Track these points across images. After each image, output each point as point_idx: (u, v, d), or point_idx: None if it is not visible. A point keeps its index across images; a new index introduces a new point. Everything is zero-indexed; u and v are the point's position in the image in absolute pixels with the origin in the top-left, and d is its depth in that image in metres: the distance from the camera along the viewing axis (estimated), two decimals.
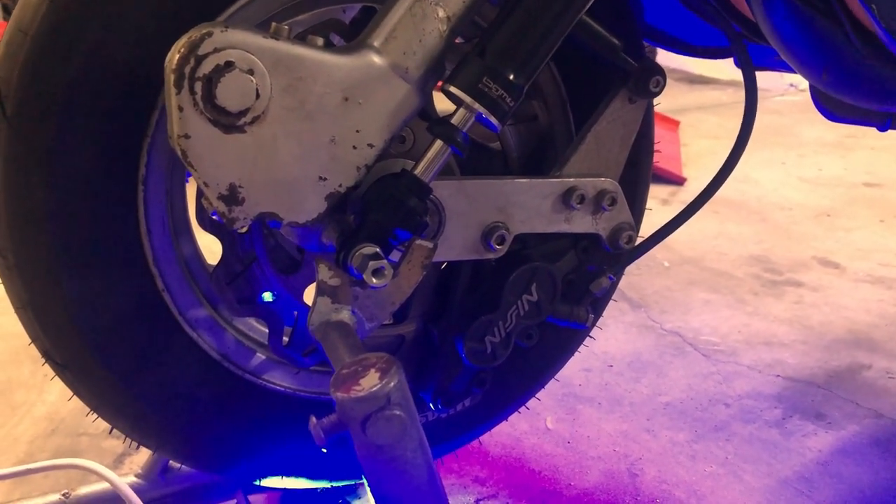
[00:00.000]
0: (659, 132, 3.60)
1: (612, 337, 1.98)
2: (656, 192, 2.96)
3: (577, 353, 1.90)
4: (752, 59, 1.63)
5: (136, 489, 1.35)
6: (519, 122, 1.07)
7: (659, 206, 2.85)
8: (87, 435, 1.56)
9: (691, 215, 1.09)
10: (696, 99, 4.45)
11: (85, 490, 1.33)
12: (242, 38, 0.77)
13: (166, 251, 0.94)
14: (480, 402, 1.13)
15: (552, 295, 1.01)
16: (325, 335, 0.81)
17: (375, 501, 0.71)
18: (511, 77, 0.83)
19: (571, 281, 1.04)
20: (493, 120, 0.83)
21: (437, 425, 1.15)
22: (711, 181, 1.12)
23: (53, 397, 1.65)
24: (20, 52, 0.82)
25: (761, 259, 2.44)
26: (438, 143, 0.85)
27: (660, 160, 3.03)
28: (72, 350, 0.93)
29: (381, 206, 0.83)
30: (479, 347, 0.99)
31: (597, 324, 1.34)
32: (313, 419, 0.69)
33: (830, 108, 1.38)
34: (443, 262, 1.08)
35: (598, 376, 1.82)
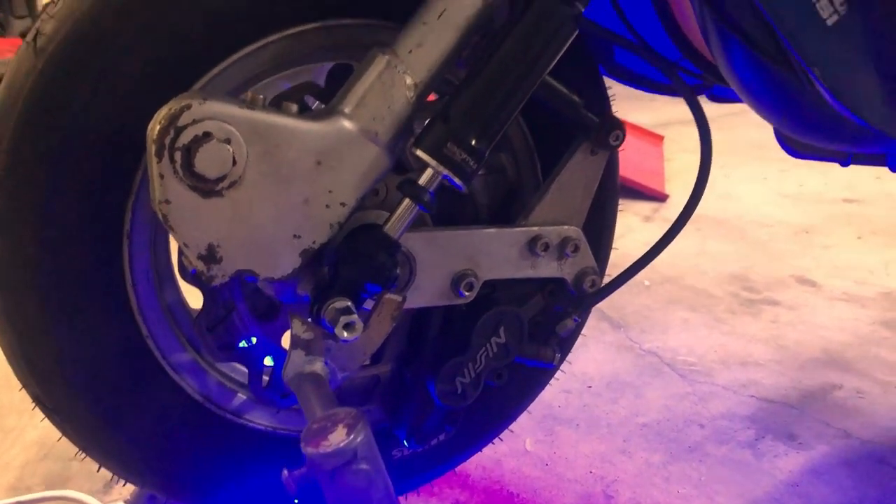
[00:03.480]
0: (643, 147, 3.66)
1: (591, 358, 2.03)
2: (639, 209, 3.02)
3: (557, 375, 1.96)
4: (722, 94, 1.68)
5: None
6: (487, 173, 1.12)
7: (641, 224, 2.90)
8: (77, 460, 1.59)
9: (650, 261, 1.14)
10: (680, 113, 4.45)
11: None
12: (220, 110, 0.81)
13: (150, 300, 0.99)
14: (455, 436, 1.18)
15: (519, 336, 1.06)
16: (299, 386, 0.86)
17: None
18: (473, 142, 0.88)
19: (538, 322, 1.09)
20: (457, 181, 0.88)
21: (414, 459, 1.20)
22: (668, 230, 1.17)
23: (45, 422, 1.69)
24: (12, 115, 0.87)
25: (740, 277, 2.49)
26: (407, 202, 0.90)
27: (643, 177, 3.09)
28: (60, 395, 0.98)
29: (352, 262, 0.88)
30: (449, 388, 1.04)
31: (571, 350, 1.39)
32: (285, 472, 0.74)
33: (792, 147, 1.43)
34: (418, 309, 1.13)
35: (578, 397, 1.86)
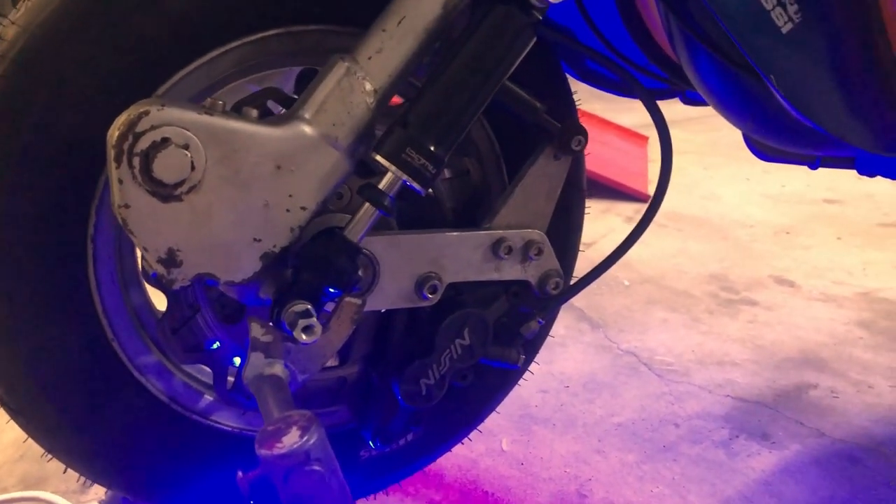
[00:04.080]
0: (627, 148, 3.67)
1: (570, 357, 2.04)
2: (622, 210, 3.03)
3: (535, 374, 1.97)
4: (695, 97, 1.69)
5: None
6: (452, 177, 1.13)
7: (623, 224, 2.92)
8: (54, 461, 1.61)
9: (612, 264, 1.16)
10: (665, 114, 4.50)
11: None
12: (178, 116, 0.82)
13: (116, 302, 1.00)
14: (422, 436, 1.19)
15: (484, 338, 1.07)
16: (259, 388, 0.87)
17: None
18: (432, 147, 0.89)
19: (503, 324, 1.10)
20: (416, 186, 0.90)
21: (381, 459, 1.21)
22: (629, 234, 1.18)
23: None
24: None
25: (719, 277, 2.51)
26: (367, 206, 0.91)
27: (626, 178, 3.10)
28: (24, 397, 0.99)
29: (312, 266, 0.89)
30: (414, 389, 1.05)
31: (540, 351, 1.40)
32: (240, 473, 0.75)
33: (761, 150, 1.45)
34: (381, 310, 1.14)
35: (555, 397, 1.88)
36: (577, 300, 2.31)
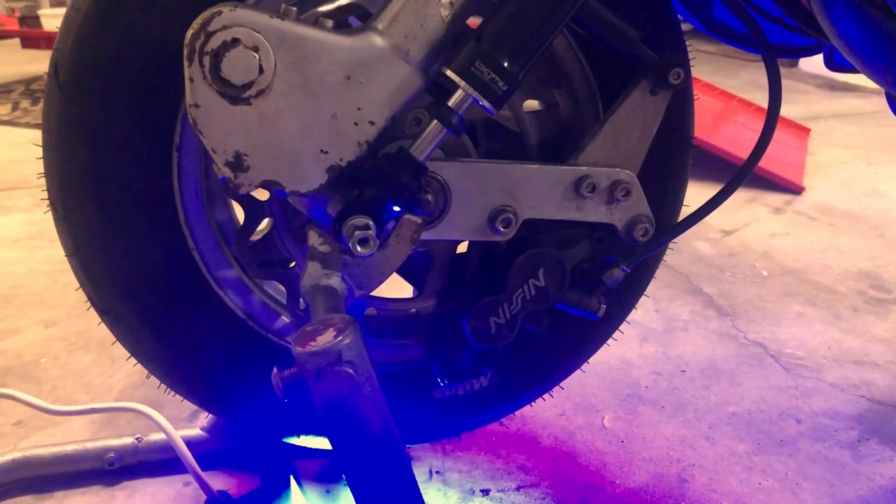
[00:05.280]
0: (786, 139, 3.46)
1: (690, 342, 1.93)
2: (770, 201, 2.84)
3: (649, 356, 1.87)
4: (841, 62, 1.56)
5: (199, 440, 1.46)
6: (540, 109, 1.08)
7: (769, 215, 2.73)
8: None
9: (702, 217, 1.07)
10: (835, 106, 4.20)
11: (155, 437, 1.45)
12: (249, 17, 0.83)
13: (198, 214, 1.03)
14: (498, 383, 1.16)
15: (560, 281, 1.02)
16: (313, 297, 0.87)
17: (334, 453, 0.75)
18: (504, 63, 0.85)
19: (585, 270, 1.04)
20: (486, 104, 0.86)
21: (454, 402, 1.18)
22: (725, 185, 1.09)
23: None
24: (73, 27, 0.93)
25: (870, 275, 2.29)
26: (434, 123, 0.88)
27: (779, 167, 2.91)
28: (110, 298, 1.04)
29: (375, 182, 0.87)
30: (482, 326, 1.01)
31: (631, 309, 1.30)
32: (275, 370, 0.75)
33: None
34: (458, 243, 1.11)
35: (668, 380, 1.78)
36: (707, 287, 2.19)
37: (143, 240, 1.01)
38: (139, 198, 0.99)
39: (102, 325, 1.08)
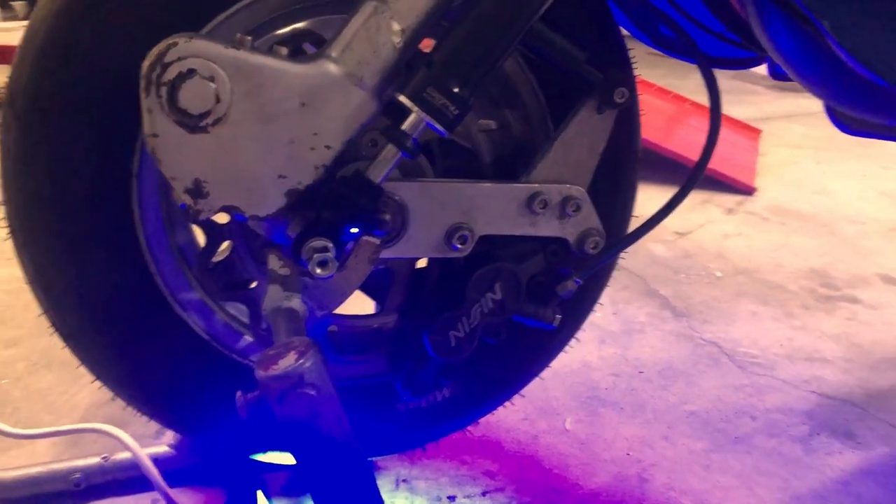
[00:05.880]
0: (737, 140, 3.53)
1: (647, 344, 1.98)
2: (723, 202, 2.91)
3: (607, 358, 1.92)
4: (783, 71, 1.61)
5: (166, 458, 1.46)
6: (493, 129, 1.11)
7: (722, 216, 2.80)
8: None
9: (652, 228, 1.11)
10: (784, 107, 4.30)
11: (122, 455, 1.45)
12: (205, 48, 0.85)
13: (159, 240, 1.04)
14: (460, 395, 1.19)
15: (516, 294, 1.05)
16: (275, 320, 0.89)
17: (298, 473, 0.78)
18: (455, 88, 0.88)
19: (540, 282, 1.08)
20: (438, 127, 0.89)
21: (418, 414, 1.21)
22: (675, 194, 1.13)
23: None
24: (28, 57, 0.94)
25: (820, 273, 2.37)
26: (390, 147, 0.91)
27: (731, 169, 2.98)
28: (74, 323, 1.04)
29: (332, 204, 0.90)
30: (443, 340, 1.04)
31: (584, 319, 1.34)
32: (239, 393, 0.77)
33: (844, 122, 1.36)
34: (417, 259, 1.14)
35: (626, 381, 1.83)
36: (663, 288, 2.24)
37: (105, 266, 1.02)
38: (100, 225, 1.00)
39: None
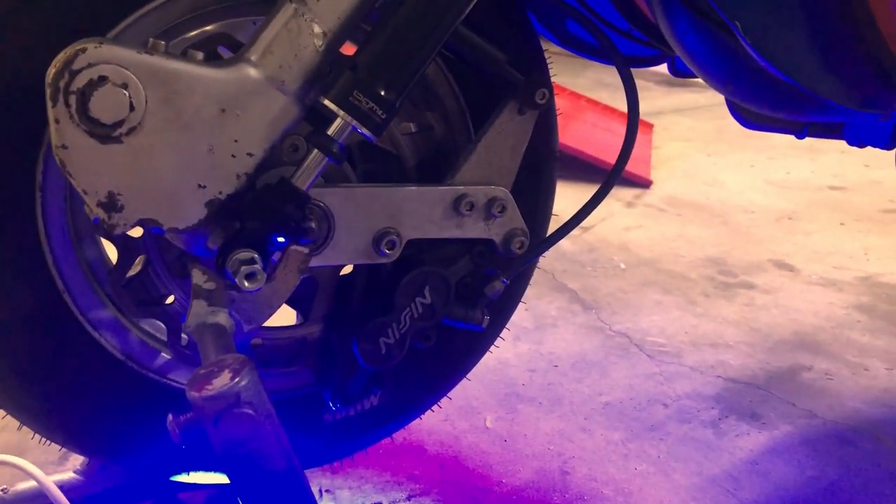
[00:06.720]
0: None
1: (560, 338, 2.02)
2: (622, 195, 3.00)
3: (523, 354, 1.94)
4: (683, 68, 1.66)
5: (74, 485, 1.39)
6: (415, 132, 1.10)
7: (622, 209, 2.88)
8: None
9: (575, 226, 1.12)
10: (674, 102, 4.46)
11: (23, 486, 1.37)
12: (116, 54, 0.80)
13: (67, 256, 0.98)
14: (389, 402, 1.17)
15: (445, 297, 1.04)
16: (201, 337, 0.85)
17: (236, 495, 0.75)
18: (381, 92, 0.87)
19: (468, 284, 1.07)
20: (366, 132, 0.87)
21: (346, 424, 1.19)
22: (595, 193, 1.15)
23: None
24: None
25: (717, 261, 2.47)
26: (316, 153, 0.89)
27: (629, 163, 3.07)
28: None
29: (257, 214, 0.87)
30: (373, 348, 1.02)
31: (509, 317, 1.35)
32: (170, 416, 0.73)
33: (744, 116, 1.41)
34: (342, 267, 1.12)
35: (542, 376, 1.85)
36: (572, 282, 2.29)
37: (9, 285, 0.95)
38: (2, 242, 0.94)
39: None
